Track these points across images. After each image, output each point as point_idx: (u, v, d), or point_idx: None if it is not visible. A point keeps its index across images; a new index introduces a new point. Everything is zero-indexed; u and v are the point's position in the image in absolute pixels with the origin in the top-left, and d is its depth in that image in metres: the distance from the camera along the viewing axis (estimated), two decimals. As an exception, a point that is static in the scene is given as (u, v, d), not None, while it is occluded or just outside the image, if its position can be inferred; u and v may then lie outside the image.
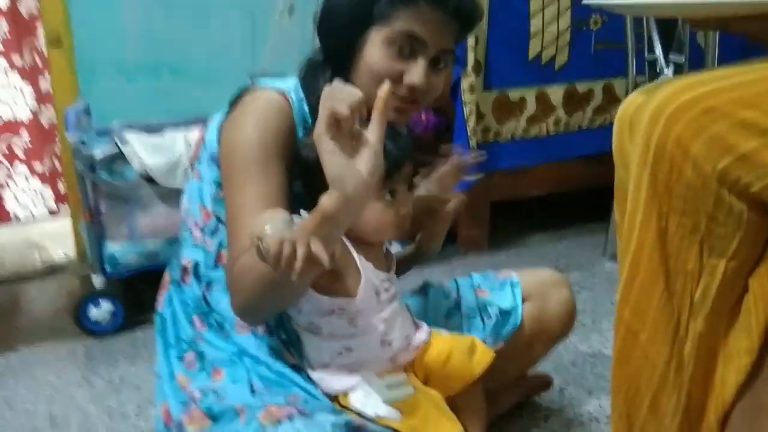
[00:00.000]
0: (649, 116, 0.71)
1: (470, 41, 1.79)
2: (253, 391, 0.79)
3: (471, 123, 1.84)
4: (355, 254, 0.79)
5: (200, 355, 0.84)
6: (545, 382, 1.16)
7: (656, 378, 0.76)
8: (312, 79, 0.85)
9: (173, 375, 0.84)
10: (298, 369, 0.83)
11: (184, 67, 2.11)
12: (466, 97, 1.83)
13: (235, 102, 0.84)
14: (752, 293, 0.71)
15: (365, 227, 0.80)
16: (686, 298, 0.73)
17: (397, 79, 0.81)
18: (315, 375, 0.80)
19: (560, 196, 2.10)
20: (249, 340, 0.84)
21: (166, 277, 0.92)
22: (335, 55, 0.85)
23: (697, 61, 1.75)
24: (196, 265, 0.87)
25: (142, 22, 2.03)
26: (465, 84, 1.82)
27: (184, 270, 0.88)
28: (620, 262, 0.77)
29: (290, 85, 0.85)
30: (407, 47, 0.80)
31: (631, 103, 0.80)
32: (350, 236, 0.79)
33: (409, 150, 0.83)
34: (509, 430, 1.09)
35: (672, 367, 0.75)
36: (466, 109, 1.83)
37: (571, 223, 2.17)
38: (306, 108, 0.84)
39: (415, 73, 0.81)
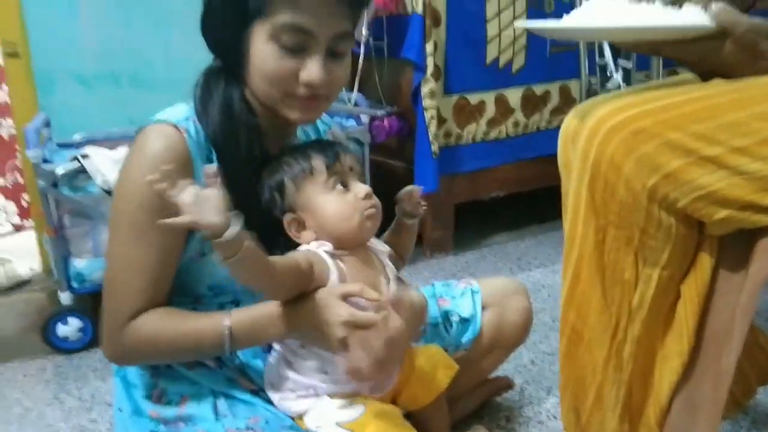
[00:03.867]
0: (586, 136, 0.76)
1: (429, 47, 1.83)
2: (217, 414, 0.81)
3: (432, 128, 1.88)
4: (334, 274, 0.77)
5: (164, 391, 0.84)
6: (506, 385, 1.20)
7: (599, 372, 0.81)
8: (206, 94, 0.76)
9: (139, 411, 0.83)
10: (257, 392, 0.84)
11: (145, 76, 2.10)
12: (427, 102, 1.86)
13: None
14: (683, 300, 0.77)
15: (332, 221, 0.78)
16: (624, 305, 0.78)
17: (292, 78, 0.73)
18: (275, 397, 0.83)
19: (520, 196, 2.16)
20: (203, 373, 0.83)
21: None
22: (225, 58, 0.77)
23: (644, 65, 1.82)
24: None
25: (100, 31, 2.01)
26: (425, 89, 1.86)
27: None
28: (564, 269, 0.82)
29: (186, 112, 0.76)
30: (295, 42, 0.71)
31: (571, 120, 0.85)
32: (333, 244, 0.79)
33: (343, 145, 0.82)
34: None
35: (611, 366, 0.80)
36: (428, 114, 1.87)
37: (531, 222, 2.23)
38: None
39: (312, 70, 0.72)
